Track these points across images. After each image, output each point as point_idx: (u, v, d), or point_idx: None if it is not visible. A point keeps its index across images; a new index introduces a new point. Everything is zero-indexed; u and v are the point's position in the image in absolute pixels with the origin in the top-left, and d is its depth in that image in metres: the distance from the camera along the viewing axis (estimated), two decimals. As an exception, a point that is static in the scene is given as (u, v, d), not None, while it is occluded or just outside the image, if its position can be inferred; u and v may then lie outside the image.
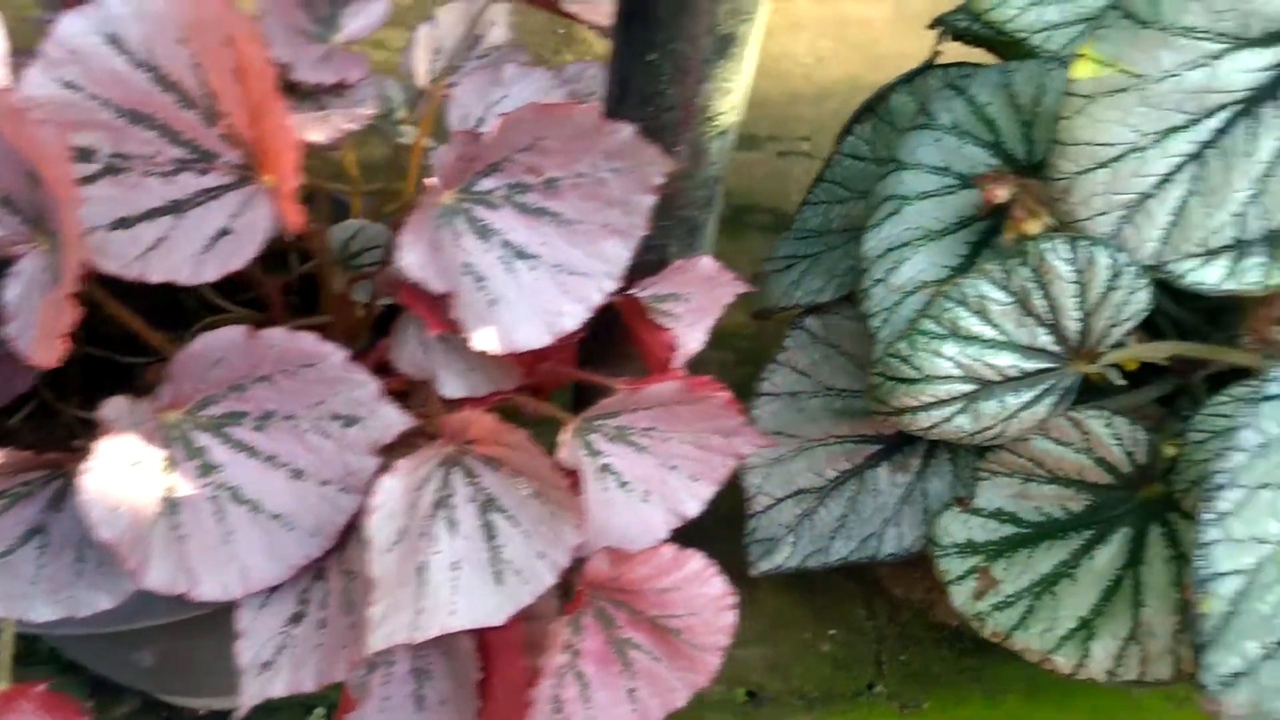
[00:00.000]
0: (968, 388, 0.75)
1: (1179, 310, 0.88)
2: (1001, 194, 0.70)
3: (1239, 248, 0.66)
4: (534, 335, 0.53)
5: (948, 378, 0.75)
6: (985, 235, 0.79)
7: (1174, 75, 0.59)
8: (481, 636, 0.55)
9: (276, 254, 0.83)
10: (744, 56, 0.62)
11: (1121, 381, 0.82)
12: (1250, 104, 0.61)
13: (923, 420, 0.77)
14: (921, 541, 0.90)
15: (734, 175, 1.71)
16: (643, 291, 0.68)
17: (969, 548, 0.84)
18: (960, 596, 0.84)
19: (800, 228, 1.06)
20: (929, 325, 0.75)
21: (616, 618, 0.56)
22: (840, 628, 1.17)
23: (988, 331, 0.73)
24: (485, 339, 0.51)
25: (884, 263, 0.81)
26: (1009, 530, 0.83)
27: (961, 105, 0.80)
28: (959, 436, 0.78)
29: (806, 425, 0.97)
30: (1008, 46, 0.89)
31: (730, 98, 0.63)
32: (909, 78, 0.97)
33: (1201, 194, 0.64)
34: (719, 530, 0.92)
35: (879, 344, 0.79)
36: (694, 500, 0.59)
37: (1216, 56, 0.59)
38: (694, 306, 0.71)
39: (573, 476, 0.53)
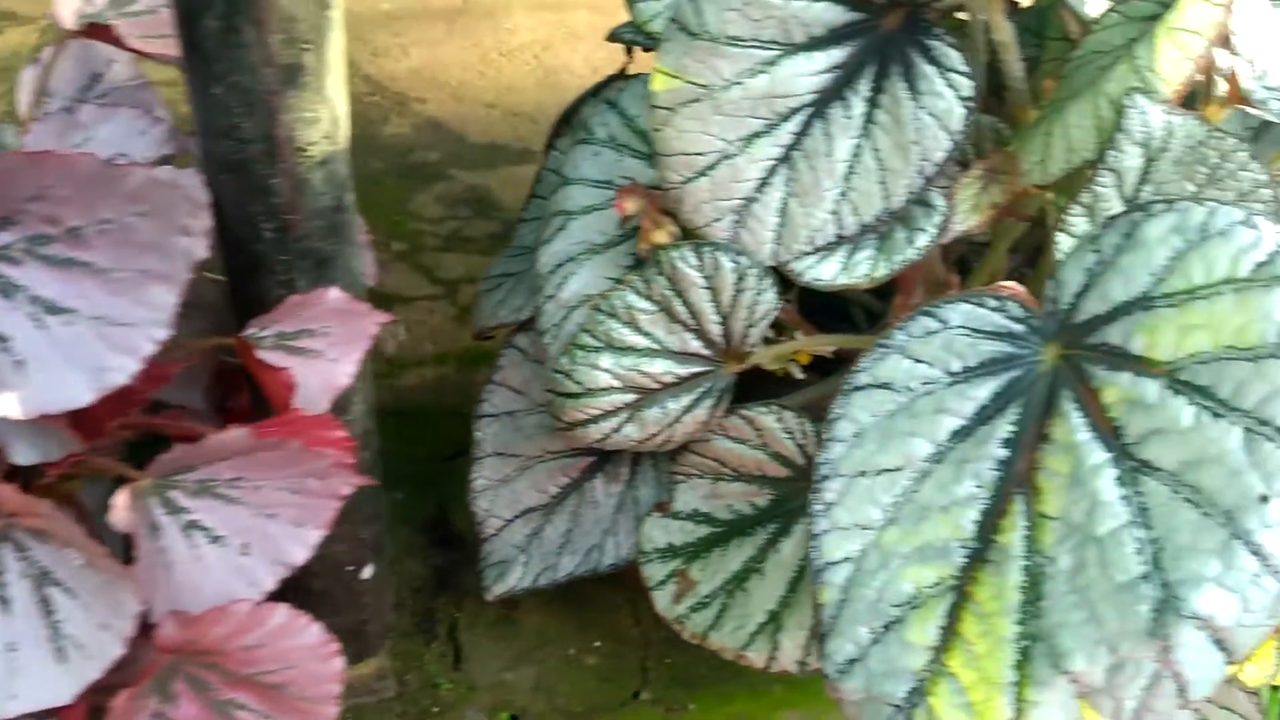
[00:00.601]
0: (630, 397, 0.75)
1: (875, 301, 0.91)
2: (631, 206, 0.71)
3: (846, 243, 0.68)
4: (75, 394, 0.50)
5: (609, 389, 0.75)
6: (645, 244, 0.79)
7: (738, 83, 0.60)
8: (59, 716, 0.52)
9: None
10: (323, 86, 0.60)
11: (801, 375, 0.84)
12: (819, 106, 0.63)
13: (594, 433, 0.77)
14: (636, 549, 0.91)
15: (509, 190, 1.70)
16: (263, 331, 0.65)
17: (669, 551, 0.85)
18: (662, 601, 0.84)
19: (517, 244, 1.06)
20: (586, 339, 0.75)
21: (210, 680, 0.54)
22: (606, 638, 1.16)
23: (641, 341, 0.74)
24: (3, 406, 0.48)
25: (554, 278, 0.80)
26: (705, 531, 0.84)
27: (615, 118, 0.80)
28: (632, 445, 0.78)
29: (525, 443, 0.96)
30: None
31: (319, 128, 0.61)
32: (596, 90, 0.97)
33: (797, 195, 0.65)
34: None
35: (550, 360, 0.79)
36: (301, 547, 0.57)
37: (771, 63, 0.60)
38: (336, 340, 0.69)
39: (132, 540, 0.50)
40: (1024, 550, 0.55)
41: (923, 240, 0.66)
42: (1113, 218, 0.57)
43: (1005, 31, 0.65)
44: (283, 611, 0.53)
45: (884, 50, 0.62)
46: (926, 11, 0.62)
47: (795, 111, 0.63)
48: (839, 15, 0.60)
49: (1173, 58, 0.58)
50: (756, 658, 0.80)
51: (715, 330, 0.73)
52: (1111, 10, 0.66)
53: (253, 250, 0.66)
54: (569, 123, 1.00)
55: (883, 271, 0.67)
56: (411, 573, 1.20)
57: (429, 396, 1.38)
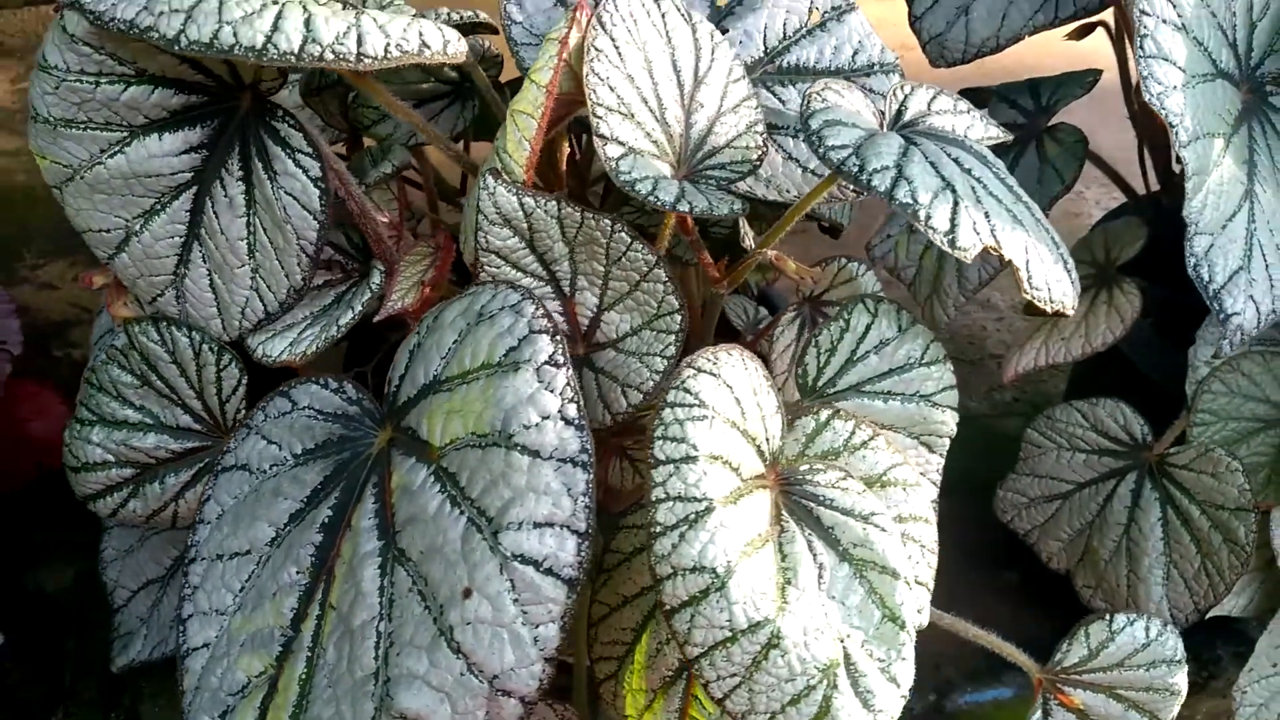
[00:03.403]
0: (128, 472, 0.75)
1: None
2: (98, 281, 0.71)
3: (306, 319, 0.68)
4: None
5: (104, 464, 0.74)
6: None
7: (99, 163, 0.61)
8: None
9: None
10: None
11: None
12: (203, 185, 0.63)
13: (103, 507, 0.77)
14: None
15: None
16: None
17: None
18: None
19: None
20: (82, 413, 0.75)
21: None
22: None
23: (133, 415, 0.74)
24: None
25: (96, 349, 0.81)
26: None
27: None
28: (142, 521, 0.77)
29: (143, 513, 0.96)
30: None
31: None
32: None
33: (218, 272, 0.65)
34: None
35: (72, 433, 0.79)
36: None
37: (124, 143, 0.61)
38: None
39: None
40: (311, 641, 0.54)
41: (347, 318, 0.65)
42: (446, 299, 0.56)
43: (409, 113, 0.65)
44: None
45: (243, 132, 0.62)
46: (271, 95, 0.62)
47: (179, 190, 0.63)
48: (169, 98, 0.61)
49: (516, 138, 0.58)
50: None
51: (196, 405, 0.73)
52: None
53: None
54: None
55: (316, 347, 0.66)
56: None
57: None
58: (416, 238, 0.76)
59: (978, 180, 0.61)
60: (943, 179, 0.57)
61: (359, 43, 0.53)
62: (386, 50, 0.53)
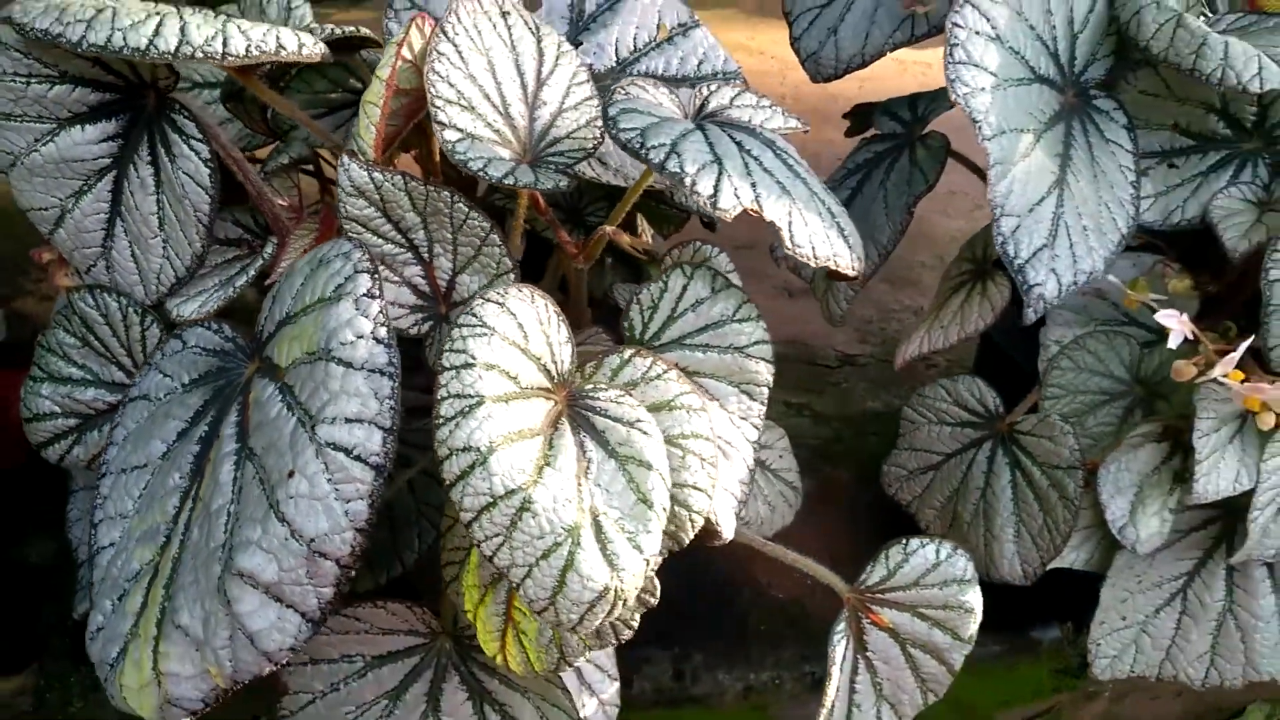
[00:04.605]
0: (72, 422, 0.88)
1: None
2: (47, 255, 0.85)
3: (217, 284, 0.81)
4: None
5: (52, 415, 0.88)
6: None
7: (36, 150, 0.75)
8: None
9: None
10: None
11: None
12: (121, 168, 0.77)
13: (52, 454, 0.90)
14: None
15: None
16: None
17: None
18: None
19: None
20: (35, 370, 0.88)
21: None
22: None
23: (76, 372, 0.87)
24: None
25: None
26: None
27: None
28: (84, 465, 0.90)
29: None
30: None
31: None
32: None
33: (137, 244, 0.79)
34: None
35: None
36: None
37: (54, 133, 0.75)
38: None
39: None
40: (184, 529, 0.66)
41: (242, 281, 0.78)
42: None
43: (294, 110, 0.79)
44: None
45: (149, 123, 0.76)
46: (169, 91, 0.76)
47: (102, 173, 0.77)
48: (87, 95, 0.75)
49: (365, 124, 0.71)
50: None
51: (127, 361, 0.86)
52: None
53: None
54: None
55: (216, 305, 0.79)
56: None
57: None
58: (320, 223, 0.89)
59: (755, 159, 0.73)
60: (714, 155, 0.69)
61: (224, 44, 0.66)
62: (248, 50, 0.67)
